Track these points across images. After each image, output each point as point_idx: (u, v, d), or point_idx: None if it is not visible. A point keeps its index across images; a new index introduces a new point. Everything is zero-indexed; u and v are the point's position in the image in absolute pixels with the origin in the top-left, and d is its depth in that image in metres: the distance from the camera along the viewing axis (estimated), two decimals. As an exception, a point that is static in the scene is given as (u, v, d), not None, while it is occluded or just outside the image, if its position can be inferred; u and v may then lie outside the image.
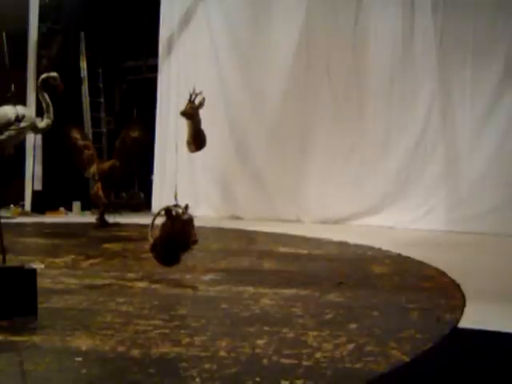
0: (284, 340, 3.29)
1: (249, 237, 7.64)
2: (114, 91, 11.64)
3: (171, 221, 4.92)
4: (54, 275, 4.94)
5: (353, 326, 3.57)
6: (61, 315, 3.79)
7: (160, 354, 3.05)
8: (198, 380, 2.70)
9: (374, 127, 8.63)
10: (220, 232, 7.98)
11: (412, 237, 7.46)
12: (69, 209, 10.21)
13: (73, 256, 5.98)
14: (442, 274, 5.10)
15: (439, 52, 8.16)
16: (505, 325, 3.56)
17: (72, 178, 9.34)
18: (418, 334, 3.38)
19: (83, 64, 10.72)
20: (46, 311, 3.78)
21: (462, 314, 3.82)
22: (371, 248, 6.51)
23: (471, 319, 3.71)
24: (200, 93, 5.89)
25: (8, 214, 9.27)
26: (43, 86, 6.89)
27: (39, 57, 10.16)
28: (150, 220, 5.32)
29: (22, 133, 7.15)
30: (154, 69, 10.59)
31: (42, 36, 10.20)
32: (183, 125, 6.50)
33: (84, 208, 10.12)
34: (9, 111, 6.87)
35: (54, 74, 6.92)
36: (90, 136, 10.54)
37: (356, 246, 6.70)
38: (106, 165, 8.54)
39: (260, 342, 3.23)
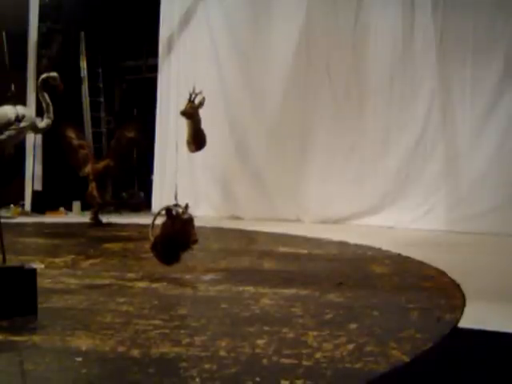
0: (284, 340, 3.29)
1: (249, 237, 7.64)
2: (114, 91, 11.64)
3: (172, 220, 4.93)
4: (53, 275, 4.94)
5: (353, 326, 3.57)
6: (61, 315, 3.79)
7: (160, 354, 3.05)
8: (197, 380, 2.70)
9: (374, 126, 8.62)
10: (220, 232, 7.98)
11: (412, 237, 7.45)
12: (69, 209, 10.21)
13: (73, 256, 5.98)
14: (442, 274, 5.10)
15: (439, 50, 8.15)
16: (505, 325, 3.56)
17: (72, 178, 9.34)
18: (418, 333, 3.38)
19: (83, 64, 10.72)
20: (45, 311, 3.78)
21: (461, 313, 3.82)
22: (371, 248, 6.50)
23: (471, 319, 3.70)
24: (200, 92, 5.89)
25: (8, 214, 9.27)
26: (43, 86, 6.89)
27: (39, 57, 10.15)
28: (150, 220, 5.33)
29: (21, 133, 7.15)
30: (153, 69, 10.58)
31: (41, 36, 10.19)
32: (183, 124, 6.50)
33: (84, 208, 10.10)
34: (9, 111, 6.87)
35: (54, 74, 6.92)
36: (90, 136, 10.55)
37: (356, 246, 6.70)
38: (101, 165, 8.56)
39: (260, 341, 3.23)
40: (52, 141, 9.40)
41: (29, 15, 10.11)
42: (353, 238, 7.01)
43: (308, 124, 9.04)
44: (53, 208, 10.09)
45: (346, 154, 8.76)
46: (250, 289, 4.52)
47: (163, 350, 3.09)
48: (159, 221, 5.20)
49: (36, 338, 3.31)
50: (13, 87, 9.49)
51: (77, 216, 9.88)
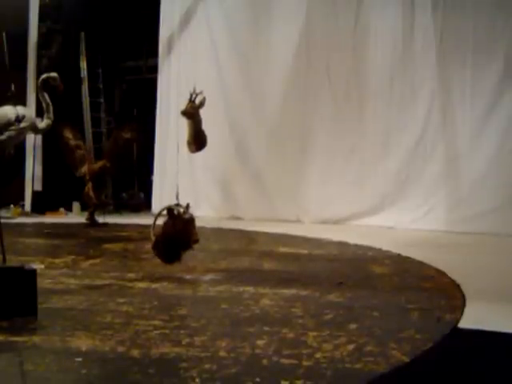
0: (284, 340, 3.29)
1: (249, 237, 7.64)
2: (114, 91, 11.63)
3: (173, 220, 4.96)
4: (53, 275, 4.94)
5: (353, 326, 3.57)
6: (61, 315, 3.79)
7: (160, 354, 3.05)
8: (197, 380, 2.70)
9: (374, 127, 8.62)
10: (220, 232, 7.98)
11: (412, 237, 7.45)
12: (69, 209, 10.21)
13: (73, 256, 5.98)
14: (442, 274, 5.10)
15: (439, 51, 8.15)
16: (505, 325, 3.56)
17: (72, 179, 9.34)
18: (418, 334, 3.38)
19: (83, 64, 10.71)
20: (45, 311, 3.78)
21: (461, 314, 3.82)
22: (371, 248, 6.50)
23: (471, 319, 3.71)
24: (200, 92, 5.88)
25: (8, 214, 9.27)
26: (43, 86, 6.89)
27: (39, 57, 10.15)
28: (150, 220, 5.34)
29: (21, 133, 7.15)
30: (154, 69, 10.58)
31: (41, 36, 10.19)
32: (184, 125, 6.50)
33: (84, 208, 10.10)
34: (9, 111, 6.87)
35: (53, 74, 6.92)
36: (90, 136, 10.55)
37: (356, 246, 6.70)
38: (97, 165, 8.60)
39: (260, 342, 3.24)
40: (52, 141, 9.40)
41: (29, 15, 10.12)
42: (353, 239, 7.01)
43: (308, 125, 9.04)
44: (53, 208, 10.09)
45: (346, 155, 8.76)
46: (250, 289, 4.52)
47: (163, 351, 3.09)
48: (160, 221, 5.21)
49: (36, 339, 3.31)
50: (13, 87, 9.49)
51: (77, 216, 9.87)
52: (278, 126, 9.19)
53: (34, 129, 7.22)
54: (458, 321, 3.66)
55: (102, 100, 11.10)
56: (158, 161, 10.28)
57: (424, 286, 4.72)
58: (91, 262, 5.73)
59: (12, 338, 3.32)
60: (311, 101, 8.98)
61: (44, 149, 10.13)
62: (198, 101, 5.79)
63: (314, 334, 3.38)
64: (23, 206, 10.18)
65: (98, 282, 4.79)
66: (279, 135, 9.19)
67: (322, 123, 8.92)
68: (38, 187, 10.19)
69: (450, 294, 4.37)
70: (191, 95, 5.80)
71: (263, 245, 7.05)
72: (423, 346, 3.19)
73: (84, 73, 10.70)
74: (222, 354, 3.05)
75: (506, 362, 3.02)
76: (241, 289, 4.54)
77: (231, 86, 9.59)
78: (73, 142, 8.69)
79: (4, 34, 10.17)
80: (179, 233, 4.97)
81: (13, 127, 6.83)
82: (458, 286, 4.59)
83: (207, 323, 3.65)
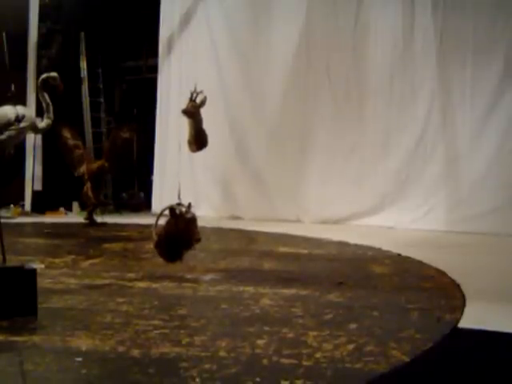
0: (284, 340, 3.29)
1: (249, 237, 7.64)
2: (114, 91, 11.63)
3: (175, 219, 4.97)
4: (53, 275, 4.94)
5: (353, 326, 3.57)
6: (61, 315, 3.79)
7: (160, 354, 3.05)
8: (197, 380, 2.70)
9: (374, 127, 8.62)
10: (220, 232, 7.97)
11: (412, 237, 7.45)
12: (69, 209, 10.21)
13: (73, 256, 5.98)
14: (442, 274, 5.10)
15: (439, 51, 8.15)
16: (505, 325, 3.56)
17: (72, 178, 9.34)
18: (418, 333, 3.38)
19: (83, 64, 10.71)
20: (45, 311, 3.78)
21: (461, 314, 3.82)
22: (371, 248, 6.50)
23: (471, 319, 3.70)
24: (201, 91, 5.88)
25: (8, 214, 9.27)
26: (43, 86, 6.89)
27: (39, 57, 10.15)
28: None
29: (22, 133, 7.15)
30: (154, 69, 10.58)
31: (41, 36, 10.19)
32: (185, 124, 6.49)
33: (83, 208, 10.10)
34: (9, 111, 6.87)
35: (54, 74, 6.92)
36: (90, 136, 10.56)
37: (356, 246, 6.70)
38: (95, 165, 8.60)
39: (260, 341, 3.23)
40: (52, 141, 9.40)
41: (29, 15, 10.11)
42: (353, 238, 7.01)
43: (308, 125, 9.04)
44: (53, 208, 10.09)
45: (346, 154, 8.76)
46: (250, 289, 4.52)
47: (163, 350, 3.09)
48: (162, 220, 5.21)
49: (36, 338, 3.31)
50: (13, 87, 9.49)
51: (77, 216, 9.87)
52: (278, 126, 9.19)
53: (33, 129, 7.23)
54: (457, 321, 3.66)
55: (102, 100, 11.11)
56: (158, 161, 10.29)
57: (424, 285, 4.72)
58: (91, 261, 5.73)
59: (12, 337, 3.32)
60: (311, 100, 8.98)
61: (44, 149, 10.13)
62: (198, 100, 5.79)
63: (314, 333, 3.38)
64: (23, 205, 10.18)
65: (98, 282, 4.79)
66: (279, 135, 9.19)
67: (322, 123, 8.92)
68: (38, 187, 10.20)
69: (450, 294, 4.36)
70: (192, 94, 5.79)
71: (263, 245, 7.05)
72: (423, 345, 3.18)
73: (84, 73, 10.71)
74: (222, 353, 3.05)
75: (506, 362, 3.01)
76: (241, 289, 4.54)
77: (231, 86, 9.59)
78: (71, 142, 8.70)
79: (4, 34, 10.17)
80: (181, 232, 4.99)
81: (13, 127, 6.83)
82: (458, 286, 4.59)
83: (207, 323, 3.65)
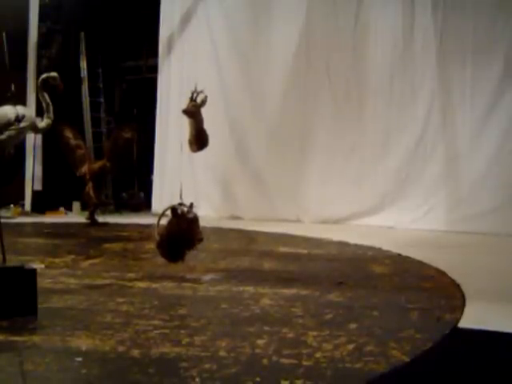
0: (284, 340, 3.29)
1: (249, 237, 7.64)
2: (114, 91, 11.64)
3: (177, 219, 4.97)
4: (53, 275, 4.94)
5: (353, 325, 3.57)
6: (61, 315, 3.79)
7: (160, 354, 3.05)
8: (197, 380, 2.70)
9: (374, 127, 8.63)
10: (220, 232, 7.97)
11: (412, 237, 7.45)
12: (69, 209, 10.22)
13: (73, 256, 5.98)
14: (442, 274, 5.10)
15: (439, 51, 8.15)
16: (505, 325, 3.56)
17: (72, 178, 9.34)
18: (418, 333, 3.38)
19: (83, 64, 10.71)
20: (45, 311, 3.78)
21: (461, 314, 3.82)
22: (371, 248, 6.50)
23: (471, 319, 3.70)
24: (202, 91, 5.88)
25: (8, 214, 9.26)
26: (43, 86, 6.89)
27: (39, 57, 10.15)
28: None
29: (22, 133, 7.15)
30: (154, 69, 10.58)
31: (41, 36, 10.19)
32: (186, 124, 6.49)
33: (84, 208, 10.11)
34: (9, 111, 6.86)
35: (54, 74, 6.92)
36: (90, 136, 10.56)
37: (356, 246, 6.70)
38: (97, 165, 8.61)
39: (260, 341, 3.23)
40: (52, 141, 9.40)
41: (29, 15, 10.11)
42: (353, 238, 7.01)
43: (308, 125, 9.04)
44: (53, 208, 10.09)
45: (346, 154, 8.76)
46: (250, 289, 4.52)
47: (163, 350, 3.09)
48: (164, 220, 5.21)
49: (36, 338, 3.31)
50: (13, 87, 9.49)
51: (77, 216, 9.88)
52: (278, 126, 9.19)
53: (34, 128, 7.22)
54: (457, 321, 3.66)
55: (102, 100, 11.11)
56: (158, 161, 10.29)
57: (424, 285, 4.72)
58: (91, 261, 5.73)
59: (12, 337, 3.32)
60: (311, 100, 8.98)
61: (44, 149, 10.13)
62: (199, 100, 5.79)
63: (314, 333, 3.38)
64: (23, 205, 10.18)
65: (98, 282, 4.79)
66: (279, 135, 9.19)
67: (322, 123, 8.92)
68: (38, 187, 10.20)
69: (450, 294, 4.36)
70: (192, 94, 5.79)
71: (263, 245, 7.05)
72: (423, 345, 3.19)
73: (84, 73, 10.71)
74: (222, 353, 3.05)
75: (506, 362, 3.01)
76: (241, 289, 4.54)
77: (231, 86, 9.59)
78: (73, 142, 8.72)
79: (4, 34, 10.17)
80: (183, 232, 4.99)
81: (13, 127, 6.83)
82: (458, 286, 4.59)
83: (207, 323, 3.65)
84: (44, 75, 6.97)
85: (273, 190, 9.26)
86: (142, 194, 11.05)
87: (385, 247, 6.48)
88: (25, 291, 3.68)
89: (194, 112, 5.78)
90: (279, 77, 9.20)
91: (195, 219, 5.05)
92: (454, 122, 8.13)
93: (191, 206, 5.06)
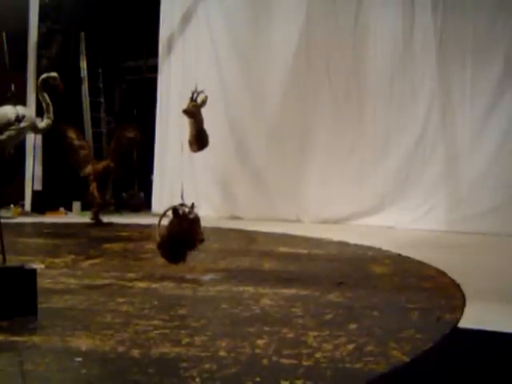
0: (284, 340, 3.29)
1: (249, 237, 7.64)
2: (114, 91, 11.64)
3: (178, 220, 4.96)
4: (53, 275, 4.93)
5: (353, 326, 3.57)
6: (61, 315, 3.79)
7: (160, 354, 3.05)
8: (197, 380, 2.70)
9: (374, 127, 8.63)
10: (220, 232, 7.97)
11: (412, 237, 7.45)
12: (69, 209, 10.22)
13: (73, 256, 5.98)
14: (442, 274, 5.10)
15: (439, 51, 8.15)
16: (505, 325, 3.56)
17: (72, 178, 9.34)
18: (418, 333, 3.38)
19: (83, 64, 10.72)
20: (45, 311, 3.78)
21: (462, 314, 3.82)
22: (371, 248, 6.50)
23: (471, 319, 3.70)
24: (202, 91, 5.88)
25: (8, 214, 9.26)
26: (43, 86, 6.90)
27: (39, 57, 10.15)
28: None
29: (22, 133, 7.16)
30: (153, 69, 10.58)
31: (41, 36, 10.19)
32: (186, 124, 6.49)
33: (84, 208, 10.11)
34: (9, 111, 6.88)
35: (54, 74, 6.93)
36: (90, 136, 10.56)
37: (356, 246, 6.70)
38: (101, 165, 8.61)
39: (260, 341, 3.23)
40: (52, 141, 9.40)
41: (29, 15, 10.11)
42: (353, 238, 7.01)
43: (308, 125, 9.04)
44: (53, 208, 10.09)
45: (345, 154, 8.76)
46: (250, 289, 4.52)
47: (163, 350, 3.09)
48: (165, 221, 5.21)
49: (36, 339, 3.31)
50: (13, 87, 9.49)
51: (77, 216, 9.88)
52: (278, 126, 9.19)
53: (34, 129, 7.24)
54: (458, 321, 3.66)
55: (102, 100, 11.11)
56: (158, 161, 10.29)
57: (424, 286, 4.72)
58: (91, 261, 5.73)
59: (12, 337, 3.31)
60: (311, 100, 8.98)
61: (44, 149, 10.13)
62: (199, 100, 5.79)
63: (314, 333, 3.38)
64: (23, 205, 10.18)
65: (98, 282, 4.78)
66: (279, 135, 9.20)
67: (321, 123, 8.92)
68: (38, 187, 10.20)
69: (450, 294, 4.36)
70: (193, 94, 5.79)
71: (263, 245, 7.05)
72: (423, 345, 3.18)
73: (84, 73, 10.72)
74: (222, 353, 3.05)
75: (506, 362, 3.01)
76: (241, 289, 4.54)
77: (231, 86, 9.59)
78: (77, 143, 8.73)
79: (4, 34, 10.17)
80: (185, 232, 4.98)
81: (13, 127, 6.84)
82: (458, 286, 4.59)
83: (207, 323, 3.65)
84: (44, 75, 6.99)
85: (273, 190, 9.26)
86: (141, 194, 11.05)
87: (385, 247, 6.47)
88: (25, 291, 3.68)
89: (194, 112, 5.78)
90: (279, 77, 9.20)
91: (196, 220, 5.04)
92: (453, 122, 8.13)
93: (192, 206, 5.05)
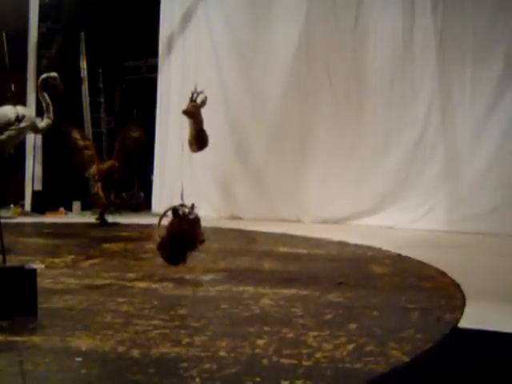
0: (284, 340, 3.29)
1: (249, 237, 7.63)
2: (114, 91, 11.64)
3: (178, 220, 4.95)
4: (54, 275, 4.93)
5: (353, 326, 3.57)
6: (61, 315, 3.79)
7: (160, 354, 3.05)
8: (197, 380, 2.70)
9: (374, 127, 8.63)
10: (220, 232, 7.97)
11: (412, 237, 7.45)
12: (69, 209, 10.22)
13: (73, 256, 5.98)
14: (442, 274, 5.10)
15: (439, 52, 8.15)
16: (505, 325, 3.56)
17: (72, 178, 9.35)
18: (418, 333, 3.38)
19: (83, 64, 10.72)
20: (45, 311, 3.78)
21: (461, 313, 3.82)
22: (371, 248, 6.50)
23: (471, 319, 3.70)
24: (202, 91, 5.88)
25: (8, 214, 9.27)
26: (43, 86, 6.90)
27: (39, 57, 10.16)
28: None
29: (22, 133, 7.16)
30: (154, 69, 10.58)
31: (41, 36, 10.19)
32: (186, 124, 6.49)
33: (84, 208, 10.12)
34: (9, 111, 6.88)
35: (54, 74, 6.93)
36: (90, 136, 10.56)
37: (356, 246, 6.70)
38: (106, 165, 8.60)
39: (260, 341, 3.23)
40: (52, 141, 9.40)
41: (29, 15, 10.11)
42: (353, 238, 7.01)
43: (308, 125, 9.04)
44: (53, 208, 10.09)
45: (345, 154, 8.76)
46: (250, 289, 4.52)
47: (163, 350, 3.09)
48: (165, 221, 5.20)
49: (36, 339, 3.31)
50: (13, 87, 9.50)
51: (77, 216, 9.88)
52: (278, 126, 9.19)
53: (34, 129, 7.24)
54: (458, 321, 3.66)
55: (102, 100, 11.12)
56: (158, 161, 10.29)
57: (424, 286, 4.72)
58: (91, 261, 5.73)
59: (12, 337, 3.31)
60: (311, 101, 8.98)
61: (44, 149, 10.13)
62: (199, 100, 5.79)
63: (314, 333, 3.38)
64: (23, 205, 10.18)
65: (98, 282, 4.78)
66: (279, 135, 9.20)
67: (322, 123, 8.92)
68: (38, 187, 10.20)
69: (450, 294, 4.36)
70: (192, 94, 5.80)
71: (263, 245, 7.05)
72: (423, 345, 3.18)
73: (84, 73, 10.72)
74: (222, 353, 3.05)
75: (506, 362, 3.01)
76: (241, 289, 4.54)
77: (231, 86, 9.59)
78: (81, 143, 8.74)
79: (4, 34, 10.18)
80: (185, 233, 4.97)
81: (13, 127, 6.84)
82: (458, 286, 4.59)
83: (207, 323, 3.65)
84: (44, 75, 6.99)
85: (273, 190, 9.26)
86: (141, 194, 11.06)
87: (385, 247, 6.47)
88: (25, 291, 3.68)
89: (193, 112, 5.78)
90: (279, 77, 9.20)
91: (197, 220, 5.02)
92: (453, 122, 8.12)
93: (192, 206, 5.04)
